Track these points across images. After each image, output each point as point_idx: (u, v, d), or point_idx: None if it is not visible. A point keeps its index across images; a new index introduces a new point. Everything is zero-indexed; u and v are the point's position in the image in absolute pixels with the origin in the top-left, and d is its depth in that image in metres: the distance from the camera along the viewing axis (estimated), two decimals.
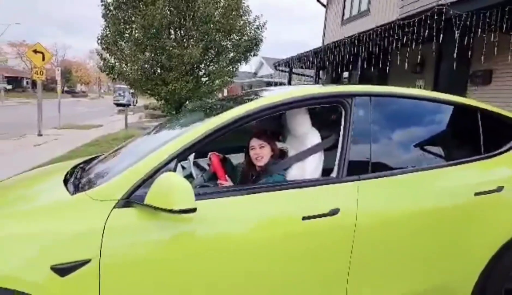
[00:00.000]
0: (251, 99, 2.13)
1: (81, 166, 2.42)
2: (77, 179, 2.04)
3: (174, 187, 1.55)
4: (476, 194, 2.09)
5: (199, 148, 1.88)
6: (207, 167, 2.60)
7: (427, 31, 5.87)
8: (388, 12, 10.24)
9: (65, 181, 2.05)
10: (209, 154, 2.37)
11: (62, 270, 1.49)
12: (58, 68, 18.89)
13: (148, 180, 1.68)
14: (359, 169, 1.99)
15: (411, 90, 2.34)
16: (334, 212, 1.84)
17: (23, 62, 64.58)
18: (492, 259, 2.11)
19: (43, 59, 13.16)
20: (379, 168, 2.05)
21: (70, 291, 1.51)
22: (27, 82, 62.09)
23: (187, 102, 10.72)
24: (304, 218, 1.80)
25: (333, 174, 1.98)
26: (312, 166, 2.09)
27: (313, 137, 2.19)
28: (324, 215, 1.83)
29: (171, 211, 1.53)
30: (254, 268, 1.78)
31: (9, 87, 45.60)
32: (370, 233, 1.90)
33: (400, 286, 2.01)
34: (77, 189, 1.86)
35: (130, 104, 27.09)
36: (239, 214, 1.79)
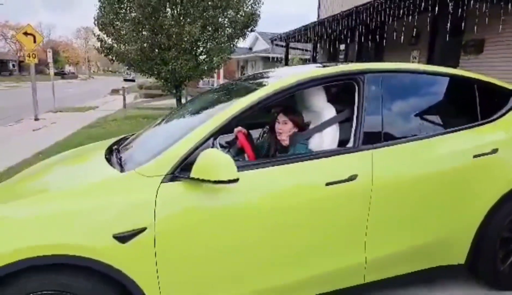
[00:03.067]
0: (272, 80, 2.35)
1: (115, 146, 2.63)
2: (119, 159, 2.26)
3: (218, 161, 1.78)
4: (474, 156, 2.36)
5: (232, 125, 2.10)
6: (224, 144, 2.81)
7: (422, 3, 6.00)
8: None
9: (107, 160, 2.27)
10: (235, 130, 2.59)
11: (123, 238, 1.73)
12: (49, 49, 18.59)
13: (189, 156, 1.91)
14: (372, 139, 2.25)
15: (416, 65, 2.58)
16: (353, 177, 2.10)
17: (8, 44, 63.03)
18: (488, 213, 2.40)
19: (34, 41, 13.00)
20: (390, 137, 2.31)
21: (131, 256, 1.75)
22: (13, 65, 60.72)
23: (187, 81, 10.79)
24: (327, 184, 2.06)
25: (350, 144, 2.24)
26: (330, 137, 2.34)
27: (329, 112, 2.42)
28: (345, 181, 2.09)
29: (217, 182, 1.77)
30: (286, 229, 2.04)
31: None
32: (384, 194, 2.17)
33: (410, 239, 2.30)
34: (123, 167, 2.08)
35: (134, 80, 35.96)
36: (270, 183, 2.04)
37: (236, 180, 1.79)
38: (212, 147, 2.02)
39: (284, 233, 2.04)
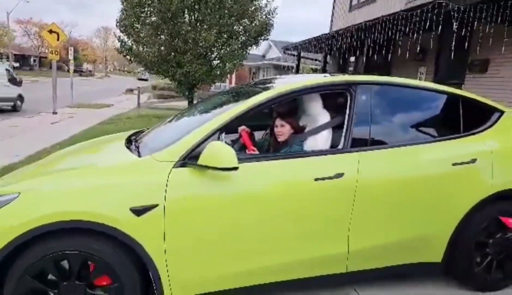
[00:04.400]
0: (277, 85, 2.67)
1: (133, 137, 2.96)
2: (137, 146, 2.59)
3: (222, 151, 2.09)
4: (453, 164, 2.62)
5: (236, 123, 2.41)
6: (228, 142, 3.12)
7: (428, 22, 6.26)
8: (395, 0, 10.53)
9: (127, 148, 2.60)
10: (239, 129, 2.90)
11: (138, 211, 2.04)
12: (71, 48, 19.30)
13: (197, 147, 2.22)
14: (360, 143, 2.53)
15: (404, 80, 2.86)
16: (339, 175, 2.38)
17: (30, 40, 64.68)
18: (464, 217, 2.64)
19: (58, 39, 13.58)
20: (376, 143, 2.59)
21: (144, 227, 2.06)
22: (34, 60, 62.30)
23: (200, 84, 11.18)
24: (316, 179, 2.35)
25: (340, 146, 2.52)
26: (323, 140, 2.63)
27: (324, 117, 2.72)
28: (332, 177, 2.37)
29: (220, 169, 2.08)
30: (277, 215, 2.33)
31: (16, 65, 46.05)
32: (368, 192, 2.44)
33: (390, 234, 2.56)
34: (140, 153, 2.40)
35: (147, 79, 40.67)
36: (266, 174, 2.34)
37: (236, 168, 2.10)
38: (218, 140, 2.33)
39: (275, 219, 2.32)
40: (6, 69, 14.14)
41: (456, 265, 2.76)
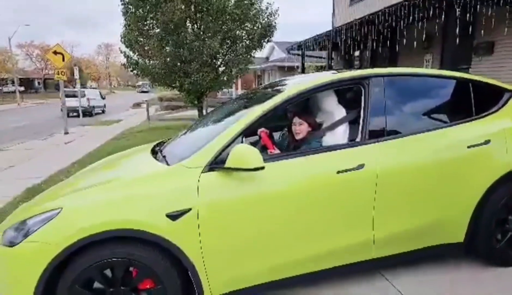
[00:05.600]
0: (292, 85, 2.79)
1: (157, 148, 3.10)
2: (164, 156, 2.72)
3: (248, 152, 2.20)
4: (469, 146, 2.70)
5: (256, 126, 2.52)
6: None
7: (431, 10, 6.32)
8: None
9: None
10: (259, 131, 3.01)
11: (173, 217, 2.17)
12: (76, 67, 19.67)
13: (222, 152, 2.33)
14: (377, 134, 2.63)
15: (414, 69, 2.96)
16: (360, 167, 2.48)
17: (33, 63, 65.81)
18: (483, 196, 2.72)
19: (63, 59, 13.85)
20: (392, 132, 2.68)
21: (180, 230, 2.18)
22: (38, 83, 63.31)
23: (208, 92, 11.34)
24: (338, 172, 2.45)
25: (358, 139, 2.62)
26: (340, 134, 2.73)
27: (340, 112, 2.82)
28: (353, 169, 2.47)
29: (247, 170, 2.19)
30: (303, 210, 2.43)
31: (22, 89, 46.89)
32: (388, 180, 2.54)
33: (412, 219, 2.65)
34: (168, 162, 2.53)
35: (148, 91, 43.64)
36: (290, 172, 2.45)
37: (262, 168, 2.21)
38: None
39: (301, 214, 2.43)
40: (99, 92, 27.40)
41: (478, 243, 2.84)
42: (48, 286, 2.05)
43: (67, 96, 17.90)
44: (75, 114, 20.14)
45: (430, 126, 2.79)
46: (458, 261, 3.03)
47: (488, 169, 2.73)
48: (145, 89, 57.09)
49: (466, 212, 2.74)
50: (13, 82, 40.51)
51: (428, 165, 2.64)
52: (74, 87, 22.97)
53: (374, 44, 9.57)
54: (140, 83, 63.13)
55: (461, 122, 2.81)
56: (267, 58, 29.83)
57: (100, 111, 24.60)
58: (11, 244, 2.08)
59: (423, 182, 2.63)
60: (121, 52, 10.63)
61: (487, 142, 2.73)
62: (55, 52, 13.69)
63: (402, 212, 2.63)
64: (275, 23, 10.81)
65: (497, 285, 2.71)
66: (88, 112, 21.86)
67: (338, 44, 11.09)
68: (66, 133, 13.32)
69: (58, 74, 13.79)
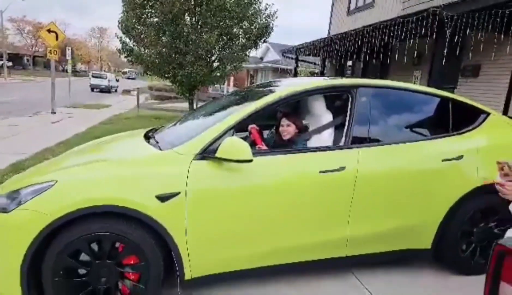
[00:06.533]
0: (284, 86, 2.94)
1: (150, 134, 3.21)
2: (156, 141, 2.83)
3: (238, 145, 2.34)
4: (443, 160, 2.90)
5: (247, 122, 2.67)
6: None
7: (423, 29, 6.57)
8: (392, 4, 10.87)
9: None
10: (249, 126, 3.15)
11: (162, 198, 2.29)
12: (69, 47, 19.41)
13: (214, 142, 2.47)
14: (360, 140, 2.81)
15: (400, 83, 3.14)
16: (341, 168, 2.65)
17: (24, 39, 64.33)
18: (451, 208, 2.92)
19: (57, 38, 13.70)
20: (374, 140, 2.86)
21: (167, 212, 2.31)
22: (27, 60, 61.92)
23: (201, 85, 11.42)
24: (320, 172, 2.61)
25: (341, 143, 2.79)
26: (326, 137, 2.90)
27: (327, 116, 2.98)
28: (335, 170, 2.63)
29: (236, 161, 2.33)
30: (285, 204, 2.59)
31: (9, 64, 45.85)
32: (366, 184, 2.72)
33: (384, 222, 2.84)
34: (160, 147, 2.65)
35: (135, 78, 46.28)
36: (275, 167, 2.60)
37: (250, 160, 2.36)
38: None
39: (282, 207, 2.58)
40: (115, 75, 31.71)
41: (444, 251, 3.04)
42: (37, 255, 2.15)
43: (94, 77, 30.58)
44: (97, 90, 29.26)
45: (410, 138, 2.99)
46: (425, 267, 3.23)
47: (459, 182, 2.94)
48: (131, 77, 62.77)
49: (435, 221, 2.94)
50: (1, 56, 39.51)
51: (403, 173, 2.83)
52: (64, 68, 23.18)
53: (367, 56, 9.83)
54: (126, 70, 66.52)
55: (438, 137, 3.02)
56: (261, 58, 30.00)
57: (114, 90, 31.28)
58: (4, 210, 2.16)
59: (398, 189, 2.82)
60: (117, 37, 10.62)
61: (460, 157, 2.93)
62: (49, 30, 13.54)
63: (376, 215, 2.81)
64: (272, 24, 10.97)
65: (460, 291, 2.91)
66: (107, 90, 29.64)
67: (332, 52, 11.32)
68: (53, 113, 13.17)
69: (50, 53, 13.62)
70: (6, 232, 2.14)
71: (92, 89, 29.09)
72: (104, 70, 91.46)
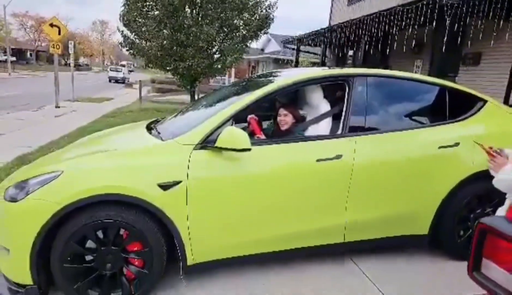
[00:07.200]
0: (279, 78, 2.99)
1: (152, 125, 3.28)
2: (158, 132, 2.91)
3: (237, 134, 2.41)
4: (439, 147, 2.95)
5: (247, 112, 2.74)
6: None
7: (423, 17, 6.56)
8: None
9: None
10: (248, 117, 3.22)
11: (164, 187, 2.37)
12: (71, 41, 19.42)
13: (214, 132, 2.54)
14: (357, 128, 2.86)
15: (396, 72, 3.19)
16: (338, 157, 2.71)
17: (27, 34, 64.40)
18: (448, 194, 2.98)
19: (59, 33, 13.74)
20: (371, 128, 2.92)
21: (170, 199, 2.39)
22: (30, 54, 62.02)
23: (202, 77, 11.45)
24: (317, 160, 2.68)
25: (338, 131, 2.85)
26: (323, 126, 2.96)
27: (325, 106, 3.04)
28: (332, 159, 2.70)
29: (235, 150, 2.40)
30: (283, 192, 2.66)
31: (13, 59, 46.01)
32: (363, 171, 2.78)
33: (382, 209, 2.90)
34: (162, 138, 2.72)
35: (133, 71, 46.73)
36: (273, 156, 2.67)
37: (249, 149, 2.42)
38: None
39: (281, 195, 2.65)
40: (128, 68, 38.74)
41: (441, 237, 3.11)
42: (46, 242, 2.24)
43: (112, 70, 37.70)
44: (113, 81, 34.93)
45: (406, 126, 3.04)
46: (423, 252, 3.30)
47: (455, 169, 2.99)
48: (130, 69, 63.03)
49: (432, 207, 3.00)
50: (5, 51, 39.66)
51: (400, 160, 2.89)
52: (67, 62, 23.31)
53: (367, 45, 9.81)
54: (124, 63, 66.83)
55: (435, 125, 3.07)
56: (263, 49, 29.94)
57: (127, 81, 35.05)
58: (13, 200, 2.25)
59: (395, 176, 2.88)
60: (118, 30, 10.65)
61: (456, 144, 2.98)
62: (52, 25, 13.58)
63: (373, 202, 2.87)
64: (273, 15, 10.94)
65: (456, 275, 2.98)
66: (122, 81, 34.71)
67: (333, 42, 11.30)
68: (57, 107, 13.28)
69: (53, 47, 13.69)
70: (16, 220, 2.23)
71: (110, 80, 35.40)
72: (107, 64, 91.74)
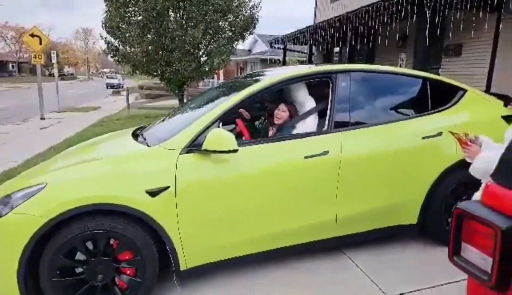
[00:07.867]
0: (264, 77, 3.00)
1: (138, 131, 3.27)
2: (144, 138, 2.90)
3: (223, 136, 2.42)
4: (423, 137, 3.00)
5: (234, 112, 2.75)
6: None
7: (403, 11, 6.64)
8: None
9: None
10: (237, 120, 3.24)
11: (153, 193, 2.36)
12: (54, 51, 19.17)
13: (200, 135, 2.54)
14: (342, 124, 2.89)
15: (378, 66, 3.24)
16: (325, 152, 2.73)
17: (7, 45, 63.35)
18: (434, 183, 3.03)
19: (40, 43, 13.54)
20: (356, 123, 2.95)
21: (159, 206, 2.38)
22: (12, 66, 60.99)
23: (190, 81, 11.42)
24: (305, 157, 2.70)
25: (325, 128, 2.87)
26: (310, 123, 2.99)
27: (310, 103, 3.07)
28: (319, 155, 2.72)
29: (222, 152, 2.40)
30: (272, 191, 2.67)
31: None
32: (350, 166, 2.81)
33: (371, 201, 2.93)
34: (148, 144, 2.71)
35: (116, 78, 45.60)
36: (261, 156, 2.68)
37: (236, 150, 2.43)
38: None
39: (270, 194, 2.66)
40: (122, 76, 43.60)
41: (429, 225, 3.16)
42: (33, 257, 2.20)
43: (108, 78, 42.25)
44: (110, 88, 36.34)
45: (390, 119, 3.08)
46: (413, 241, 3.34)
47: (439, 158, 3.04)
48: (113, 77, 65.02)
49: (419, 197, 3.05)
50: None
51: (386, 152, 2.92)
52: (51, 72, 22.97)
53: (353, 41, 9.88)
54: (106, 70, 67.71)
55: (418, 116, 3.12)
56: (250, 50, 29.98)
57: (121, 87, 36.42)
58: None
59: (382, 168, 2.91)
60: (102, 38, 10.57)
61: (439, 134, 3.03)
62: (32, 35, 13.38)
63: (362, 195, 2.91)
64: (257, 16, 10.98)
65: (447, 261, 3.00)
66: (116, 88, 36.01)
67: (319, 39, 11.36)
68: (43, 118, 13.07)
69: (35, 58, 13.50)
70: (2, 236, 2.20)
71: (107, 87, 38.11)
72: (92, 72, 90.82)
